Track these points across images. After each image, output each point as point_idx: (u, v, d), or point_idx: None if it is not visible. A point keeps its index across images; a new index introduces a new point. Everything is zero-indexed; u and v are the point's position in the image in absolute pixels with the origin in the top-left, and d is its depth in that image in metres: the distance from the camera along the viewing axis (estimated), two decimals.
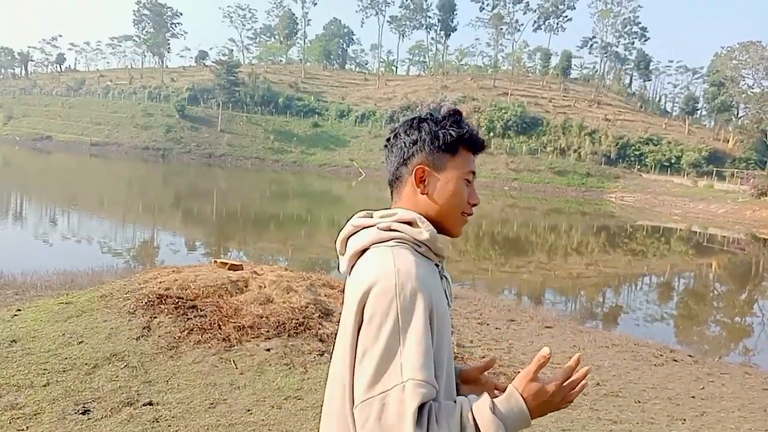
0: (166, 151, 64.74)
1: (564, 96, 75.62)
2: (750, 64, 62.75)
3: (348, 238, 1.35)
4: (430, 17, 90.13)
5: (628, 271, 18.92)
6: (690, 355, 7.80)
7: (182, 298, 4.88)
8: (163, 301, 4.75)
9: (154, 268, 6.20)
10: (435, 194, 1.32)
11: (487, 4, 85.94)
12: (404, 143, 1.35)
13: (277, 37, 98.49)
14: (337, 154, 66.81)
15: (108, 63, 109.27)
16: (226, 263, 6.31)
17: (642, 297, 15.10)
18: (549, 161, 60.94)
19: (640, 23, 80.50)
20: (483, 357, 5.62)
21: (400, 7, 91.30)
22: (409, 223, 1.28)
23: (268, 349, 4.38)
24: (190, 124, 69.00)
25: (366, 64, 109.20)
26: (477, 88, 76.53)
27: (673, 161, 59.29)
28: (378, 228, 1.27)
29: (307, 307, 5.19)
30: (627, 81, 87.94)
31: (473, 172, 1.37)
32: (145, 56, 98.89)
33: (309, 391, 4.07)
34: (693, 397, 5.56)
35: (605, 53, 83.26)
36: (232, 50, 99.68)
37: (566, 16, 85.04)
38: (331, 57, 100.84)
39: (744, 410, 5.23)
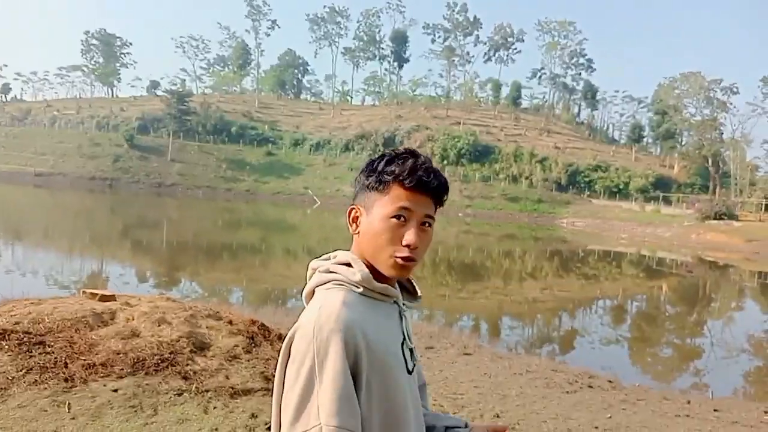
0: (113, 181, 62.99)
1: (515, 125, 77.14)
2: (691, 93, 65.35)
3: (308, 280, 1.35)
4: (383, 48, 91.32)
5: (582, 295, 18.80)
6: (610, 381, 7.47)
7: (30, 333, 4.25)
8: (6, 337, 4.10)
9: (12, 299, 5.51)
10: (362, 234, 1.29)
11: (439, 37, 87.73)
12: (355, 181, 1.33)
13: (230, 67, 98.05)
14: (292, 182, 66.16)
15: (56, 93, 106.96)
16: (96, 294, 5.71)
17: (588, 320, 14.88)
18: (501, 188, 61.71)
19: (586, 55, 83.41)
20: None
21: (354, 38, 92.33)
22: (347, 264, 1.27)
23: (116, 390, 3.80)
24: (140, 153, 67.44)
25: (321, 93, 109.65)
26: (430, 118, 77.41)
27: (621, 187, 60.82)
28: (319, 271, 1.30)
29: (178, 341, 4.68)
30: (576, 110, 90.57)
31: (407, 209, 1.24)
32: (94, 86, 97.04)
33: None
34: (596, 427, 5.23)
35: (554, 84, 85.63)
36: (185, 80, 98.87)
37: (515, 49, 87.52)
38: (286, 87, 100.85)
39: None
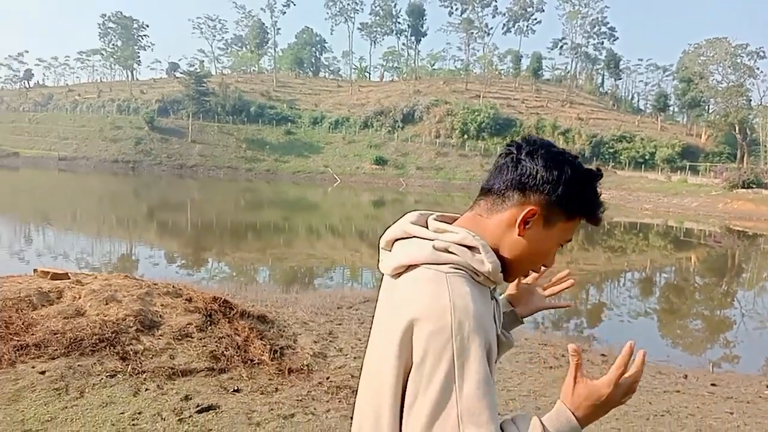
0: (136, 163, 63.62)
1: (536, 97, 75.97)
2: (717, 60, 63.47)
3: (395, 241, 1.21)
4: (400, 23, 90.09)
5: (608, 268, 18.55)
6: (603, 354, 7.14)
7: None
8: None
9: None
10: (527, 241, 1.15)
11: (456, 9, 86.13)
12: (536, 172, 1.14)
13: (248, 46, 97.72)
14: (311, 161, 66.12)
15: (77, 78, 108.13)
16: (48, 272, 5.63)
17: (612, 294, 14.69)
18: None
19: (608, 23, 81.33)
20: (340, 367, 4.99)
21: (370, 14, 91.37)
22: (471, 248, 1.12)
23: (43, 372, 3.70)
24: (160, 135, 67.90)
25: (339, 71, 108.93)
26: (449, 92, 76.55)
27: (647, 158, 59.74)
28: (435, 247, 1.12)
29: (124, 320, 4.53)
30: (599, 80, 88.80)
31: (570, 239, 1.21)
32: (113, 69, 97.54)
33: (64, 422, 3.39)
34: None
35: (575, 54, 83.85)
36: (203, 61, 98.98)
37: (535, 19, 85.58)
38: (304, 65, 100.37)
39: (622, 419, 4.60)
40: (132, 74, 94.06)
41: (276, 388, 4.18)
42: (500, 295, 1.40)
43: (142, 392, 3.86)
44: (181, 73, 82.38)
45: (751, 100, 63.50)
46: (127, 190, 43.70)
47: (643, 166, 58.12)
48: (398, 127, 70.33)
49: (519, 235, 1.14)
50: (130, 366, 4.09)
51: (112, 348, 4.21)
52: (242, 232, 22.98)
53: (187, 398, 3.84)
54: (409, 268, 1.13)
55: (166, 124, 69.95)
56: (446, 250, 1.12)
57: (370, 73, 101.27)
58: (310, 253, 18.04)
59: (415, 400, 1.01)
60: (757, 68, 62.15)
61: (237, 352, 4.53)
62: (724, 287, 16.59)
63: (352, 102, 77.60)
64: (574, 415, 1.06)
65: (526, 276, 1.27)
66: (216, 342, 4.65)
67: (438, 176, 61.96)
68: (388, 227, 1.25)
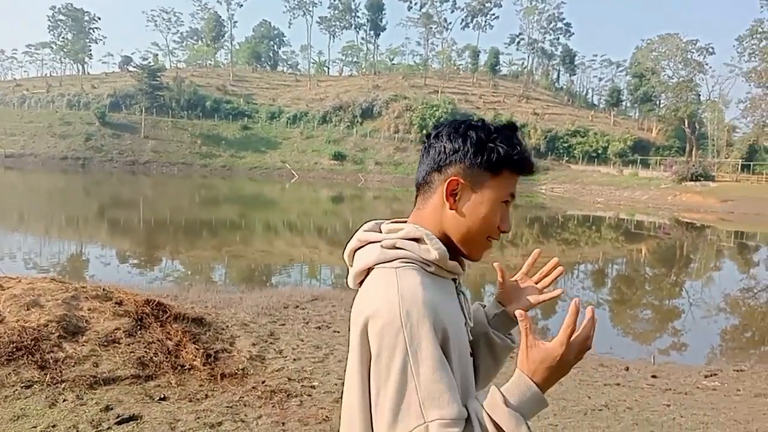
0: (86, 160, 61.76)
1: (494, 92, 76.84)
2: (668, 56, 65.25)
3: (355, 252, 1.22)
4: (359, 17, 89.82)
5: (562, 260, 18.75)
6: None
7: None
8: None
9: None
10: (464, 212, 1.17)
11: (415, 3, 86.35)
12: (443, 148, 1.17)
13: (204, 40, 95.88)
14: (269, 156, 65.38)
15: (26, 72, 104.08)
16: None
17: (562, 286, 14.87)
18: None
19: (564, 19, 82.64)
20: (278, 370, 4.84)
21: (329, 7, 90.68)
22: (417, 240, 1.15)
23: None
24: (112, 131, 66.06)
25: (297, 65, 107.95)
26: (408, 87, 76.71)
27: (600, 152, 61.07)
28: (381, 246, 1.15)
29: (46, 326, 4.29)
30: (554, 76, 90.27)
31: (513, 195, 1.20)
32: (63, 63, 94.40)
33: None
34: None
35: (532, 49, 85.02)
36: (157, 55, 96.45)
37: (493, 14, 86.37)
38: (262, 59, 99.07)
39: (560, 415, 4.58)
40: (83, 68, 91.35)
41: (206, 395, 4.02)
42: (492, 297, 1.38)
43: (59, 403, 3.65)
44: (134, 66, 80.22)
45: (700, 95, 65.63)
46: (77, 188, 42.36)
47: (596, 160, 59.41)
48: (357, 122, 70.11)
49: (451, 209, 1.16)
50: (48, 375, 3.87)
51: (30, 356, 3.96)
52: (197, 230, 22.49)
53: (107, 408, 3.65)
54: (367, 273, 1.15)
55: (118, 120, 68.08)
56: (393, 247, 1.14)
57: (328, 68, 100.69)
58: (266, 251, 17.76)
59: (378, 395, 1.02)
60: (707, 64, 64.26)
61: (167, 358, 4.36)
62: (672, 278, 17.01)
63: (310, 97, 76.99)
64: (532, 380, 1.07)
65: (488, 248, 1.21)
66: (145, 347, 4.44)
67: (397, 171, 62.05)
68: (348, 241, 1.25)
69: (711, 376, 6.83)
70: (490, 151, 1.14)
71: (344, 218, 29.92)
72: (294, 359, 5.24)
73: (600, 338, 8.54)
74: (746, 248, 25.16)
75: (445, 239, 1.17)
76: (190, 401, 3.88)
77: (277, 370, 4.81)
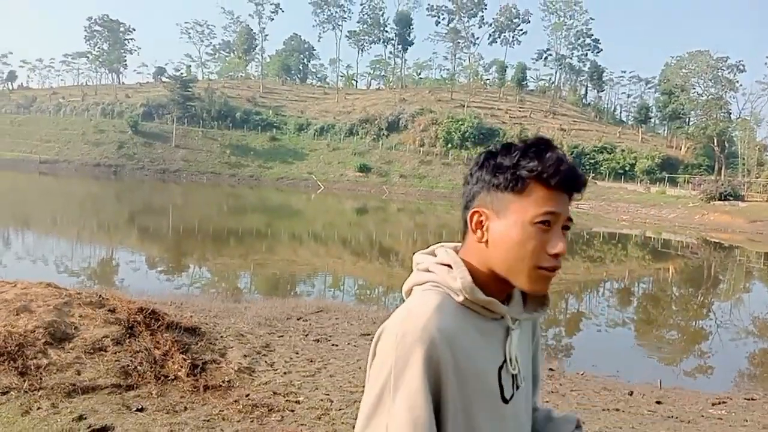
0: (118, 167, 63.13)
1: (520, 107, 76.43)
2: (698, 73, 64.14)
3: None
4: (387, 32, 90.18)
5: (587, 278, 18.51)
6: (551, 369, 7.06)
7: None
8: None
9: None
10: (495, 244, 1.08)
11: (443, 19, 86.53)
12: (468, 184, 1.14)
13: (235, 52, 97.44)
14: (296, 167, 65.97)
15: (62, 80, 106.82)
16: None
17: (587, 304, 14.64)
18: None
19: (592, 35, 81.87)
20: (265, 383, 4.80)
21: (358, 22, 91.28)
22: (448, 266, 1.10)
23: None
24: (144, 139, 67.46)
25: (326, 78, 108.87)
26: (434, 101, 76.76)
27: (627, 169, 60.17)
28: (418, 269, 1.15)
29: (33, 332, 4.31)
30: (582, 92, 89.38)
31: (553, 213, 1.05)
32: (99, 73, 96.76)
33: None
34: None
35: (560, 65, 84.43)
36: (190, 66, 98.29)
37: (521, 30, 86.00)
38: (291, 72, 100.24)
39: None
40: (118, 78, 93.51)
41: (185, 407, 4.03)
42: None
43: (32, 411, 3.66)
44: (167, 77, 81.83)
45: (730, 113, 64.27)
46: (109, 194, 43.26)
47: (623, 177, 58.53)
48: (383, 135, 70.39)
49: (481, 241, 1.10)
50: (27, 382, 3.89)
51: (12, 362, 4.00)
52: (224, 238, 22.77)
53: (80, 418, 3.65)
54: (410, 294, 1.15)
55: (150, 129, 69.53)
56: (427, 270, 1.13)
57: (356, 81, 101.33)
58: (290, 260, 17.90)
59: (363, 400, 1.03)
60: (737, 81, 62.98)
61: (151, 368, 4.38)
62: (698, 299, 16.62)
63: (337, 109, 77.59)
64: None
65: (543, 277, 1.07)
66: (131, 356, 4.47)
67: (421, 184, 62.03)
68: None
69: (719, 404, 6.61)
70: (506, 170, 1.07)
71: (368, 230, 30.00)
72: (284, 372, 5.22)
73: (607, 360, 8.38)
74: None
75: (492, 273, 1.10)
76: (168, 413, 3.89)
77: (264, 384, 4.80)
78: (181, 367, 4.53)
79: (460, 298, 1.06)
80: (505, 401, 1.10)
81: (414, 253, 1.20)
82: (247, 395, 4.44)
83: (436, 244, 1.20)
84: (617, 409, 5.78)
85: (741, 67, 61.96)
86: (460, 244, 1.17)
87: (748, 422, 5.90)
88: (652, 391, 6.93)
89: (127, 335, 4.77)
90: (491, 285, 1.09)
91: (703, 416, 5.99)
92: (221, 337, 5.71)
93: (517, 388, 1.14)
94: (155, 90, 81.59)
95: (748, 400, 6.90)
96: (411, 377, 0.97)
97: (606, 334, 11.16)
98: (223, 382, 4.60)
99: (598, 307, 14.04)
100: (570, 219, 1.09)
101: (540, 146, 1.08)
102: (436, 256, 1.16)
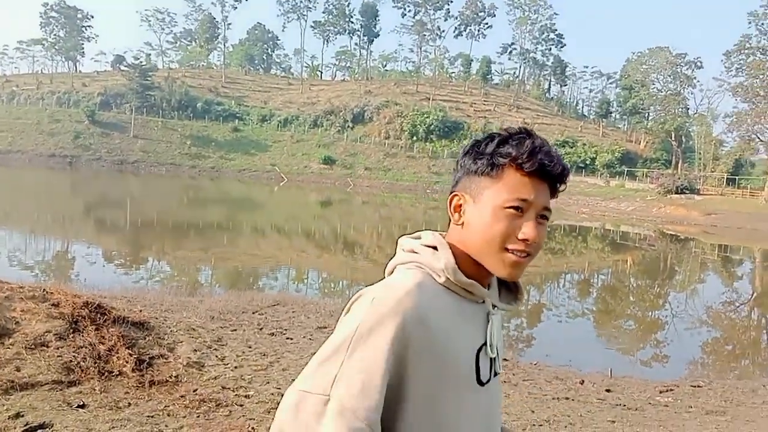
0: (74, 158, 61.39)
1: (485, 101, 77.06)
2: (658, 69, 65.60)
3: None
4: (352, 23, 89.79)
5: (548, 270, 18.75)
6: (504, 359, 7.21)
7: None
8: None
9: None
10: (469, 226, 1.11)
11: (409, 11, 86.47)
12: (456, 171, 1.18)
13: (197, 41, 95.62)
14: (258, 159, 65.24)
15: (16, 68, 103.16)
16: None
17: (547, 295, 14.85)
18: None
19: (556, 30, 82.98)
20: (214, 378, 4.70)
21: (323, 12, 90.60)
22: (433, 248, 1.12)
23: None
24: (101, 130, 65.71)
25: (290, 69, 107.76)
26: (400, 93, 76.81)
27: (588, 163, 61.28)
28: (403, 249, 1.17)
29: None
30: (545, 86, 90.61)
31: (525, 200, 1.06)
32: (54, 61, 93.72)
33: None
34: None
35: (524, 59, 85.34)
36: (150, 54, 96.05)
37: (486, 24, 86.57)
38: (255, 62, 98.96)
39: None
40: (74, 66, 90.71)
41: (129, 403, 3.92)
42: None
43: None
44: (125, 66, 79.81)
45: (688, 109, 65.98)
46: (64, 186, 42.08)
47: (584, 170, 59.59)
48: (348, 127, 70.12)
49: (458, 223, 1.13)
50: None
51: None
52: (184, 231, 22.37)
53: (18, 416, 3.51)
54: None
55: (107, 119, 67.76)
56: (412, 251, 1.14)
57: (321, 72, 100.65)
58: (253, 253, 17.69)
59: (323, 345, 1.01)
60: (695, 78, 64.63)
61: (95, 363, 4.25)
62: (655, 289, 17.03)
63: (302, 100, 76.96)
64: None
65: (513, 261, 1.07)
66: (74, 352, 4.31)
67: (386, 177, 62.07)
68: None
69: (667, 391, 6.77)
70: (483, 156, 1.09)
71: (332, 222, 29.87)
72: (235, 367, 5.13)
73: (561, 350, 8.51)
74: (729, 261, 25.26)
75: (466, 257, 1.11)
76: (110, 409, 3.77)
77: (213, 378, 4.71)
78: (127, 362, 4.41)
79: (442, 279, 1.08)
80: (481, 384, 1.10)
81: (399, 237, 1.22)
82: (195, 390, 4.35)
83: (403, 236, 1.22)
84: (567, 398, 5.86)
85: (699, 64, 63.59)
86: (429, 233, 1.19)
87: (693, 408, 6.06)
88: (603, 379, 7.06)
89: (71, 330, 4.60)
90: (472, 269, 1.10)
91: (650, 403, 6.13)
92: (171, 331, 5.58)
93: (495, 374, 1.15)
94: (113, 79, 79.49)
95: (694, 387, 7.10)
96: (375, 344, 0.96)
97: (562, 324, 11.35)
98: (170, 377, 4.49)
99: (558, 298, 14.27)
100: (547, 209, 1.09)
101: (521, 135, 1.09)
102: (421, 239, 1.17)
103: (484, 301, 1.13)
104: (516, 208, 1.05)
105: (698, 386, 7.16)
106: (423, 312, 1.00)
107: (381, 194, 52.68)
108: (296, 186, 55.44)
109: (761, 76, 50.08)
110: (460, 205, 1.12)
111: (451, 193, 1.15)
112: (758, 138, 51.54)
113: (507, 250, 1.06)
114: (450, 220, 1.16)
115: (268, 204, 39.60)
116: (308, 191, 50.93)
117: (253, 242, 20.63)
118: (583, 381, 6.72)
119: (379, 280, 1.10)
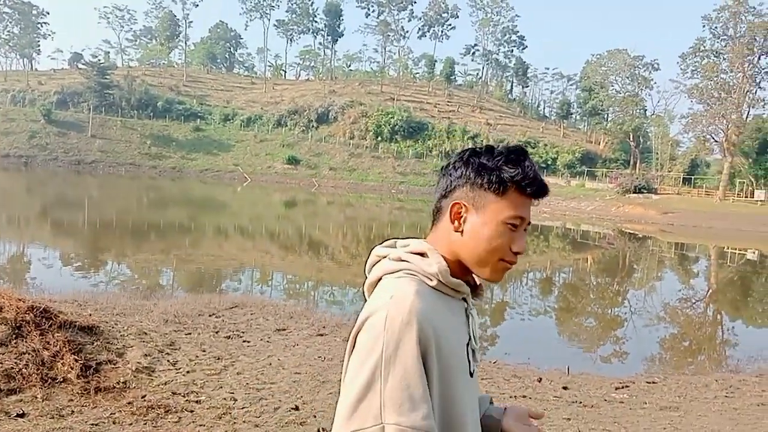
0: (29, 158, 59.63)
1: (448, 101, 77.59)
2: (616, 71, 67.02)
3: (372, 268, 1.27)
4: (316, 22, 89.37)
5: (510, 269, 18.81)
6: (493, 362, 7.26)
7: None
8: None
9: None
10: (469, 235, 1.19)
11: (373, 11, 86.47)
12: (450, 176, 1.24)
13: (158, 39, 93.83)
14: (221, 159, 64.36)
15: None
16: None
17: (509, 294, 14.95)
18: (434, 164, 61.98)
19: (518, 32, 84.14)
20: (164, 383, 4.62)
21: (286, 11, 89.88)
22: (422, 254, 1.20)
23: None
24: (58, 129, 63.92)
25: (253, 68, 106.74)
26: (365, 93, 76.76)
27: (549, 163, 62.27)
28: (389, 258, 1.22)
29: None
30: (508, 87, 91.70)
31: (522, 218, 1.19)
32: (9, 58, 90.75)
33: None
34: None
35: (487, 60, 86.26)
36: (109, 52, 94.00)
37: (450, 25, 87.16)
38: (217, 60, 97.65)
39: None
40: (30, 64, 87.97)
41: (73, 411, 3.78)
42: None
43: None
44: (83, 64, 77.76)
45: (646, 110, 67.59)
46: (19, 187, 40.76)
47: (545, 171, 60.44)
48: (312, 126, 69.73)
49: (456, 231, 1.19)
50: None
51: None
52: (144, 233, 21.87)
53: None
54: (377, 284, 1.20)
55: (64, 118, 65.92)
56: (400, 259, 1.19)
57: (285, 71, 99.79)
58: (216, 255, 17.37)
59: (345, 386, 1.06)
60: (652, 80, 66.27)
61: (38, 370, 4.09)
62: (615, 287, 17.34)
63: (265, 100, 76.26)
64: None
65: (503, 269, 1.20)
66: (16, 358, 4.15)
67: (351, 177, 61.94)
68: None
69: (622, 387, 6.85)
70: (490, 172, 1.16)
71: (297, 223, 29.63)
72: (187, 371, 5.01)
73: (521, 348, 8.58)
74: (686, 259, 25.92)
75: (457, 260, 1.20)
76: (52, 418, 3.63)
77: (163, 384, 4.58)
78: (72, 368, 4.25)
79: (434, 283, 1.15)
80: (471, 375, 1.20)
81: (373, 247, 1.27)
82: (144, 396, 4.22)
83: (377, 246, 1.27)
84: (524, 396, 5.89)
85: (656, 66, 65.25)
86: (414, 240, 1.25)
87: (647, 405, 6.15)
88: (561, 377, 7.10)
89: (14, 336, 4.43)
90: (456, 271, 1.19)
91: (605, 400, 6.20)
92: (121, 335, 5.42)
93: (476, 365, 1.24)
94: (71, 77, 77.35)
95: (650, 383, 7.20)
96: (404, 357, 1.02)
97: (523, 322, 11.46)
98: (117, 383, 4.35)
99: (520, 297, 14.40)
100: (530, 223, 1.23)
101: (519, 154, 1.19)
102: (396, 247, 1.24)
103: (464, 299, 1.23)
104: (514, 225, 1.17)
105: (653, 382, 7.27)
106: (429, 315, 1.07)
107: (346, 194, 52.56)
108: (260, 186, 54.89)
109: (715, 78, 51.60)
110: (460, 214, 1.19)
111: (446, 197, 1.22)
112: (713, 138, 53.04)
113: (501, 260, 1.19)
114: (432, 224, 1.25)
115: (231, 205, 39.07)
116: (272, 191, 50.46)
117: (216, 244, 20.30)
118: (540, 379, 6.75)
119: (377, 288, 1.17)
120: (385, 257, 1.23)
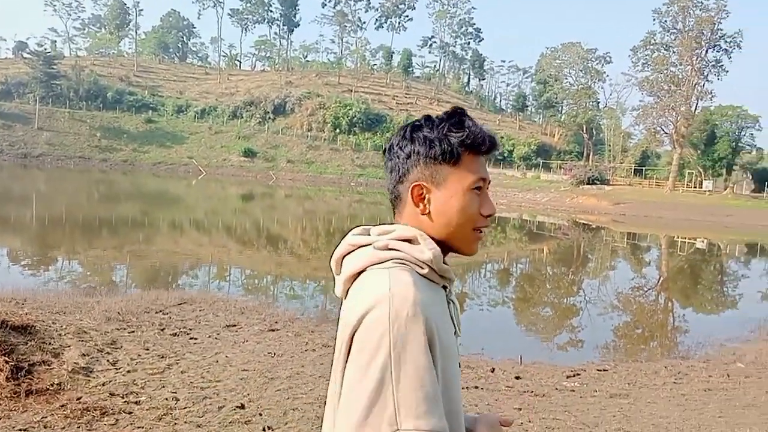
0: None
1: (406, 94, 77.71)
2: (570, 64, 68.21)
3: (343, 258, 1.17)
4: (272, 11, 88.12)
5: (469, 260, 18.94)
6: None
7: None
8: None
9: None
10: (439, 213, 1.14)
11: (330, 1, 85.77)
12: (398, 158, 1.17)
13: (107, 28, 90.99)
14: (174, 151, 62.95)
15: None
16: None
17: (457, 285, 15.02)
18: None
19: (474, 24, 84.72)
20: (102, 384, 4.43)
21: (241, 0, 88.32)
22: (409, 241, 1.12)
23: None
24: (2, 121, 61.28)
25: (207, 58, 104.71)
26: (322, 85, 76.18)
27: (505, 155, 63.01)
28: (374, 247, 1.12)
29: None
30: (465, 80, 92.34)
31: (483, 179, 1.15)
32: None
33: None
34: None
35: (444, 53, 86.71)
36: (55, 41, 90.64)
37: (407, 16, 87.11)
38: (170, 50, 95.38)
39: None
40: None
41: (0, 416, 3.56)
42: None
43: None
44: (28, 53, 74.82)
45: (598, 102, 69.06)
46: None
47: (502, 163, 61.35)
48: (269, 118, 68.85)
49: (424, 213, 1.14)
50: None
51: None
52: (95, 228, 21.14)
53: None
54: (356, 278, 1.11)
55: (8, 109, 63.25)
56: (386, 248, 1.10)
57: (240, 62, 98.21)
58: (170, 250, 16.87)
59: (350, 392, 0.98)
60: (605, 72, 67.71)
61: None
62: (570, 277, 17.61)
63: (220, 91, 74.90)
64: None
65: (478, 239, 1.16)
66: None
67: (309, 170, 61.46)
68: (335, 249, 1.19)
69: (573, 376, 6.91)
70: (440, 142, 1.11)
71: (254, 217, 29.18)
72: (128, 371, 4.79)
73: (474, 338, 8.58)
74: (637, 248, 26.59)
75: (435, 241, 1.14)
76: None
77: (101, 384, 4.37)
78: (1, 370, 4.01)
79: (425, 271, 1.08)
80: (458, 365, 1.15)
81: (349, 230, 1.20)
82: (79, 398, 4.01)
83: (353, 229, 1.19)
84: (476, 387, 5.87)
85: (608, 59, 66.67)
86: (399, 226, 1.16)
87: (598, 392, 6.21)
88: (513, 366, 7.12)
89: None
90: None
91: (557, 389, 6.23)
92: (58, 335, 5.16)
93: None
94: (15, 67, 74.28)
95: (600, 371, 7.29)
96: (414, 354, 0.96)
97: (478, 312, 11.51)
98: (51, 385, 4.13)
99: (478, 288, 14.47)
100: (490, 181, 1.18)
101: (460, 116, 1.14)
102: (370, 234, 1.15)
103: (445, 287, 1.16)
104: (478, 188, 1.13)
105: (604, 370, 7.36)
106: (427, 306, 1.01)
107: (304, 187, 52.14)
108: (215, 179, 53.95)
109: (665, 71, 53.00)
110: (423, 195, 1.13)
111: (401, 182, 1.15)
112: (663, 130, 54.52)
113: (475, 229, 1.14)
114: (395, 212, 1.18)
115: (186, 198, 38.23)
116: (228, 185, 49.67)
117: (171, 239, 19.79)
118: (493, 369, 6.76)
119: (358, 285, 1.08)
120: (360, 246, 1.14)
